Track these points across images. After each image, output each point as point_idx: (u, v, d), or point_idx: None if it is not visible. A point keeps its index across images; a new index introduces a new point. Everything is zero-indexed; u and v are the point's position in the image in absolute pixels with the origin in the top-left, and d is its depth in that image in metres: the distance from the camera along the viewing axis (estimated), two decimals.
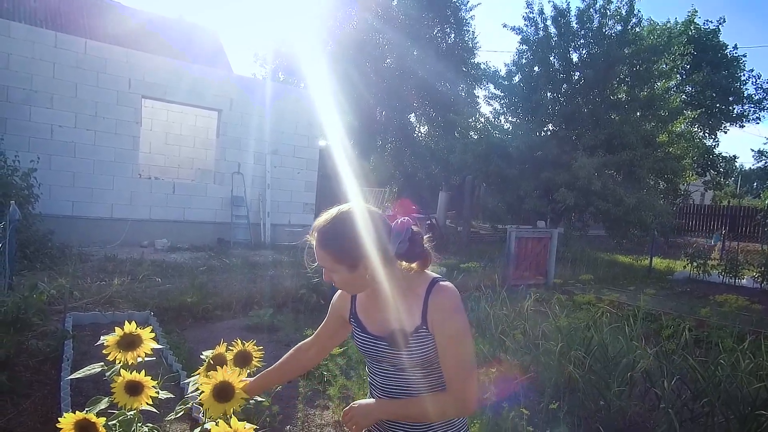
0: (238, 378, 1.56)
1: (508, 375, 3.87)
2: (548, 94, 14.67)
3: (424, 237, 1.44)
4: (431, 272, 1.45)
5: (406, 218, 1.42)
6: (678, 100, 14.00)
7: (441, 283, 1.40)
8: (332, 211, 1.41)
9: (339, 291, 1.59)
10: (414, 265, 1.41)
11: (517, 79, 15.51)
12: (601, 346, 3.64)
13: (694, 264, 10.55)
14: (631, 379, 3.49)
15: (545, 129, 15.18)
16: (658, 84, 14.07)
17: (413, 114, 23.37)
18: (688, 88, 21.65)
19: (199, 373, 1.76)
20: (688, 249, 11.81)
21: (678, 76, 15.70)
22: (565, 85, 14.51)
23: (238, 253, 9.52)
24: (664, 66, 13.91)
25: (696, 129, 20.37)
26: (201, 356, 1.81)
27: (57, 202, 9.11)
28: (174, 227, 10.45)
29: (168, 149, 13.95)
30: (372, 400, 1.49)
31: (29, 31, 9.09)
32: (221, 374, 1.55)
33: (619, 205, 12.24)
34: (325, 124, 12.88)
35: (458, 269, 8.20)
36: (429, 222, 14.27)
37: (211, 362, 1.76)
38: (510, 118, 15.84)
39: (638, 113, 13.89)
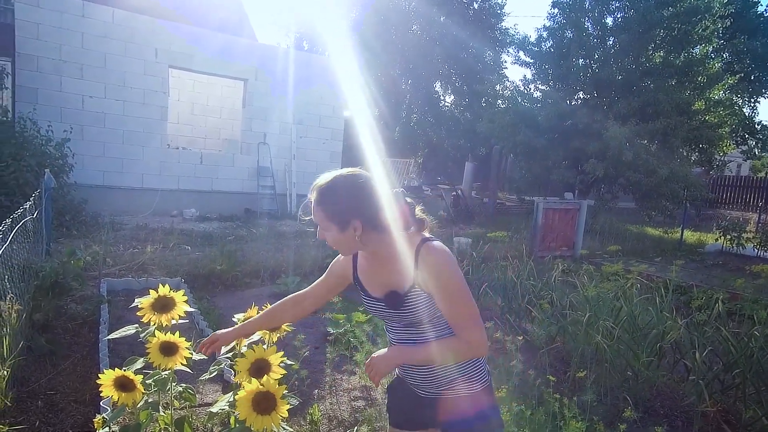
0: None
1: (534, 344, 3.87)
2: (580, 60, 14.17)
3: (417, 207, 1.51)
4: (427, 234, 1.49)
5: (401, 189, 1.50)
6: (718, 66, 13.34)
7: (428, 243, 1.44)
8: (334, 173, 1.46)
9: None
10: (412, 229, 1.47)
11: (548, 44, 15.00)
12: (630, 316, 3.59)
13: (728, 237, 10.25)
14: (660, 350, 3.45)
15: (576, 97, 14.73)
16: (697, 49, 13.44)
17: (439, 82, 22.95)
18: (726, 55, 20.54)
19: None
20: (721, 221, 11.47)
21: (717, 40, 14.92)
22: (598, 51, 13.98)
23: (264, 223, 9.64)
24: (703, 30, 13.24)
25: (736, 97, 19.39)
26: (233, 319, 1.84)
27: (89, 172, 9.32)
28: (202, 197, 10.63)
29: (195, 119, 14.07)
30: (388, 348, 1.56)
31: (57, 1, 9.15)
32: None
33: (650, 176, 11.87)
34: (349, 94, 12.76)
35: (484, 239, 8.16)
36: (454, 193, 14.16)
37: None
38: (540, 86, 15.40)
39: (674, 80, 13.33)
